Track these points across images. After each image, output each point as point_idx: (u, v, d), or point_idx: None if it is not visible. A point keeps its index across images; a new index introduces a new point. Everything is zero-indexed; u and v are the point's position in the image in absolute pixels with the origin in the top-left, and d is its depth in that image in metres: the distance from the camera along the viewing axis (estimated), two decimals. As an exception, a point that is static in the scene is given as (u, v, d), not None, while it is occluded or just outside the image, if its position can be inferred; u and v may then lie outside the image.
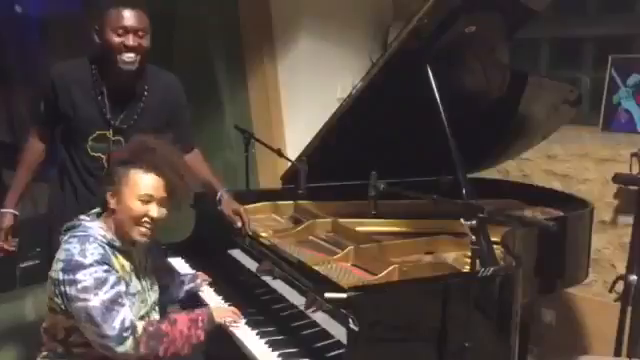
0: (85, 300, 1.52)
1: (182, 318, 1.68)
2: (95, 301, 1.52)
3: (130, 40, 1.99)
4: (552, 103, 2.54)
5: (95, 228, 1.62)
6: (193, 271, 2.25)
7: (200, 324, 1.69)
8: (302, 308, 1.70)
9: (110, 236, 1.63)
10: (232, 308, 1.89)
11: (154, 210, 1.64)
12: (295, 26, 3.38)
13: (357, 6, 3.55)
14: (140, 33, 2.01)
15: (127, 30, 1.99)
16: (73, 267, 1.53)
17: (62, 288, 1.54)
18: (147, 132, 1.88)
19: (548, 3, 2.35)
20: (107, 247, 1.61)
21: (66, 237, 1.62)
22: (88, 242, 1.57)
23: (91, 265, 1.54)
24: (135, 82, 2.11)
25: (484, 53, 2.26)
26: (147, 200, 1.63)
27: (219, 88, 3.66)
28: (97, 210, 1.71)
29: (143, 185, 1.62)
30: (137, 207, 1.62)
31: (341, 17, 3.47)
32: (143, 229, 1.64)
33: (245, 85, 3.53)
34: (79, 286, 1.52)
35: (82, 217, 1.66)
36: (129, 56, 1.99)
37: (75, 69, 2.10)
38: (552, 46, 3.32)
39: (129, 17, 1.99)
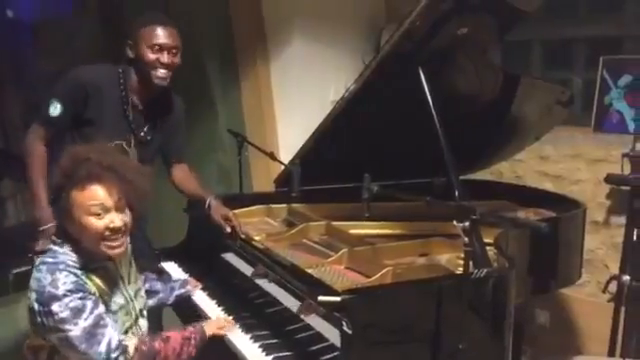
0: (65, 331, 1.47)
1: (175, 335, 1.66)
2: (76, 330, 1.47)
3: (165, 57, 2.08)
4: (545, 104, 2.55)
5: (67, 253, 1.54)
6: (186, 275, 2.24)
7: (192, 342, 1.68)
8: (296, 311, 1.70)
9: (83, 259, 1.55)
10: (223, 319, 1.88)
11: (114, 219, 1.53)
12: (288, 28, 3.38)
13: (350, 8, 3.55)
14: (174, 51, 2.10)
15: (162, 48, 2.07)
16: (47, 299, 1.47)
17: (38, 319, 1.49)
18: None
19: (540, 4, 2.36)
20: (80, 272, 1.53)
21: (36, 262, 1.55)
22: (58, 271, 1.49)
23: (65, 295, 1.47)
24: (159, 98, 2.20)
25: (476, 54, 2.26)
26: (101, 212, 1.51)
27: (212, 90, 3.66)
28: None
29: (88, 199, 1.50)
30: (94, 224, 1.51)
31: (334, 19, 3.47)
32: (112, 243, 1.54)
33: (238, 87, 3.53)
34: (56, 317, 1.47)
35: (54, 239, 1.58)
36: (163, 72, 2.09)
37: (106, 77, 2.14)
38: (544, 47, 3.33)
39: (164, 35, 2.08)
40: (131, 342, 1.56)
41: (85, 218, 1.51)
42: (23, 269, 3.13)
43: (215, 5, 3.48)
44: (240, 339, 1.78)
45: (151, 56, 2.07)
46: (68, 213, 1.52)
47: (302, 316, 1.67)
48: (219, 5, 3.44)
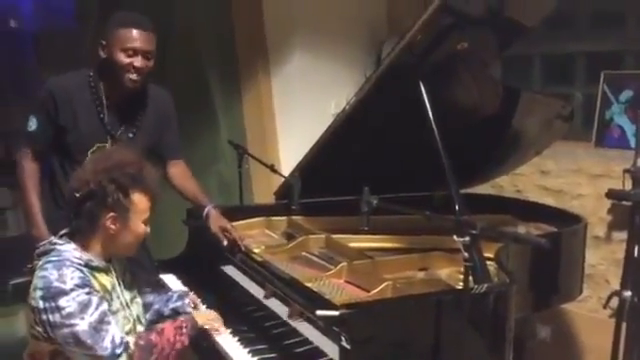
0: (72, 325, 1.50)
1: (168, 327, 1.70)
2: (83, 325, 1.50)
3: (139, 62, 2.02)
4: (545, 118, 2.55)
5: (70, 251, 1.58)
6: (185, 288, 2.22)
7: (184, 330, 1.71)
8: (294, 325, 1.69)
9: (86, 257, 1.59)
10: (213, 312, 1.91)
11: (148, 227, 1.69)
12: (289, 41, 3.39)
13: (351, 21, 3.56)
14: (148, 55, 2.05)
15: (136, 52, 2.02)
16: (54, 294, 1.50)
17: (44, 316, 1.51)
18: (132, 147, 1.92)
19: (541, 20, 2.36)
20: (85, 269, 1.57)
21: (40, 263, 1.58)
22: (65, 267, 1.54)
23: (72, 290, 1.51)
24: (133, 96, 2.14)
25: (477, 69, 2.26)
26: (146, 222, 1.67)
27: (213, 102, 3.67)
28: (67, 230, 1.67)
29: (146, 207, 1.65)
30: (142, 229, 1.66)
31: (335, 32, 3.49)
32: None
33: (240, 100, 3.54)
34: (63, 312, 1.50)
35: (54, 240, 1.62)
36: (135, 76, 2.03)
37: (75, 81, 2.11)
38: (544, 62, 3.33)
39: (140, 39, 2.02)
40: (130, 338, 1.61)
41: (139, 223, 1.64)
42: (21, 280, 3.11)
43: (217, 18, 3.49)
44: (238, 352, 1.77)
45: (124, 60, 2.01)
46: (124, 213, 1.60)
47: (291, 321, 1.67)
48: (221, 19, 3.46)
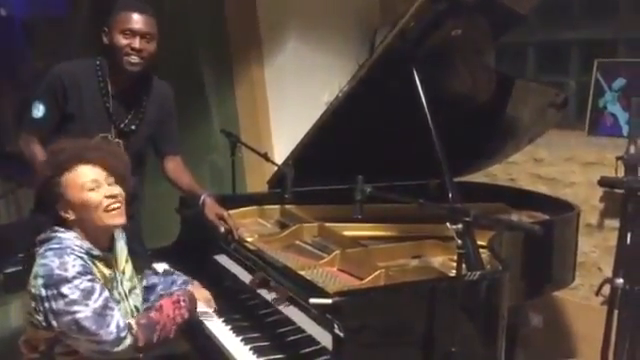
0: (75, 313, 1.49)
1: (166, 303, 1.72)
2: (86, 312, 1.50)
3: (137, 43, 2.04)
4: (538, 107, 2.54)
5: (71, 239, 1.57)
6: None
7: (183, 304, 1.73)
8: (286, 313, 1.68)
9: (87, 245, 1.59)
10: (207, 292, 1.93)
11: (109, 189, 1.61)
12: (282, 30, 3.37)
13: (344, 10, 3.55)
14: (147, 37, 2.07)
15: (135, 33, 2.04)
16: (56, 282, 1.49)
17: (46, 304, 1.50)
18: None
19: (533, 6, 2.36)
20: (86, 257, 1.56)
21: (41, 250, 1.57)
22: (66, 255, 1.52)
23: (75, 277, 1.50)
24: (139, 87, 2.16)
25: (471, 56, 2.25)
26: (94, 186, 1.58)
27: (206, 92, 3.65)
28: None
29: (81, 177, 1.58)
30: (92, 196, 1.58)
31: (328, 21, 3.47)
32: (113, 211, 1.61)
33: (232, 89, 3.53)
34: (66, 300, 1.49)
35: (56, 228, 1.61)
36: (134, 58, 2.05)
37: (83, 69, 2.12)
38: (538, 50, 3.33)
39: (138, 20, 2.04)
40: (132, 320, 1.61)
41: (83, 195, 1.58)
42: (14, 269, 3.10)
43: (210, 7, 3.47)
44: (231, 341, 1.77)
45: (123, 41, 2.03)
46: (64, 199, 1.57)
47: (282, 309, 1.68)
48: (214, 7, 3.44)
